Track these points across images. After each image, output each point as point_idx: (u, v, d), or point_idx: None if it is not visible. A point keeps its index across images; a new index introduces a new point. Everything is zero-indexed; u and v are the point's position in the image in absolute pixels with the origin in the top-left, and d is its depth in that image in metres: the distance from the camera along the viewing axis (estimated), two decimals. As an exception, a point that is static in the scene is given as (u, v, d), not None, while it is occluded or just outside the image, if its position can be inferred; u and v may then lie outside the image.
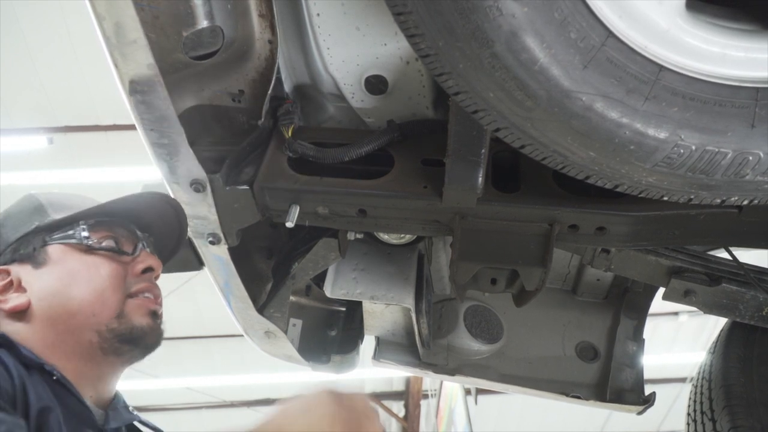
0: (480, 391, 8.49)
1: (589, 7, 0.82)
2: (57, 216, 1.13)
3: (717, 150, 0.92)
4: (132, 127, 1.22)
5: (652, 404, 1.83)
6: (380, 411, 9.99)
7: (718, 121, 0.90)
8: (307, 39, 1.31)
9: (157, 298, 1.16)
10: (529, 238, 1.31)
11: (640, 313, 1.96)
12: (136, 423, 1.17)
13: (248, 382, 9.49)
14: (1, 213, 1.17)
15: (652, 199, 1.05)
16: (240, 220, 1.38)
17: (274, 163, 1.35)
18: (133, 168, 5.82)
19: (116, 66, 1.09)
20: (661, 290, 1.60)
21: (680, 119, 0.90)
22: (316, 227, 1.46)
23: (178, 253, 1.35)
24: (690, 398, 1.99)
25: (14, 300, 1.05)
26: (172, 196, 1.29)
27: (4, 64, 5.59)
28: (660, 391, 2.06)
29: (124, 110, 1.16)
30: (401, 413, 10.33)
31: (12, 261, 1.09)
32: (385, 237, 1.62)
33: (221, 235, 1.41)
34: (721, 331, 1.92)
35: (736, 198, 1.01)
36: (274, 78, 1.28)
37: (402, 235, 1.61)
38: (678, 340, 9.21)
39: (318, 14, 1.25)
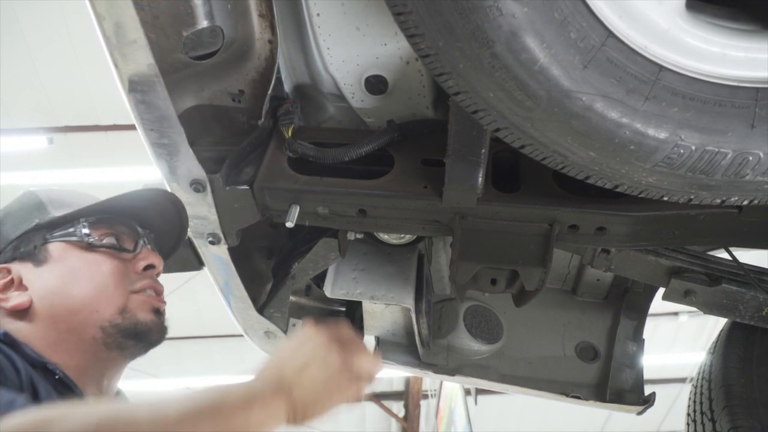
0: (480, 391, 8.49)
1: (589, 7, 0.82)
2: (57, 213, 1.13)
3: (717, 150, 0.92)
4: (132, 127, 1.22)
5: (652, 404, 1.83)
6: (380, 411, 10.00)
7: (718, 121, 0.90)
8: (307, 39, 1.31)
9: (159, 294, 1.16)
10: (529, 238, 1.31)
11: (640, 313, 1.96)
12: None
13: (248, 382, 9.46)
14: (0, 210, 1.17)
15: (652, 199, 1.05)
16: (240, 220, 1.38)
17: (274, 163, 1.35)
18: (133, 168, 5.82)
19: (116, 66, 1.09)
20: (661, 290, 1.60)
21: (680, 119, 0.90)
22: (316, 227, 1.46)
23: (179, 253, 1.35)
24: (690, 398, 1.99)
25: (15, 298, 1.05)
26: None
27: (4, 64, 5.59)
28: (660, 391, 2.06)
29: (124, 110, 1.16)
30: (401, 413, 10.34)
31: (12, 259, 1.09)
32: (385, 237, 1.62)
33: (221, 235, 1.41)
34: (721, 331, 1.92)
35: (736, 198, 1.01)
36: (274, 78, 1.28)
37: (402, 235, 1.61)
38: (678, 340, 9.21)
39: (318, 14, 1.25)
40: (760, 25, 0.87)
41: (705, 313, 1.57)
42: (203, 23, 1.15)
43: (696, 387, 1.94)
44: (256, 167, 1.35)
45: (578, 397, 1.87)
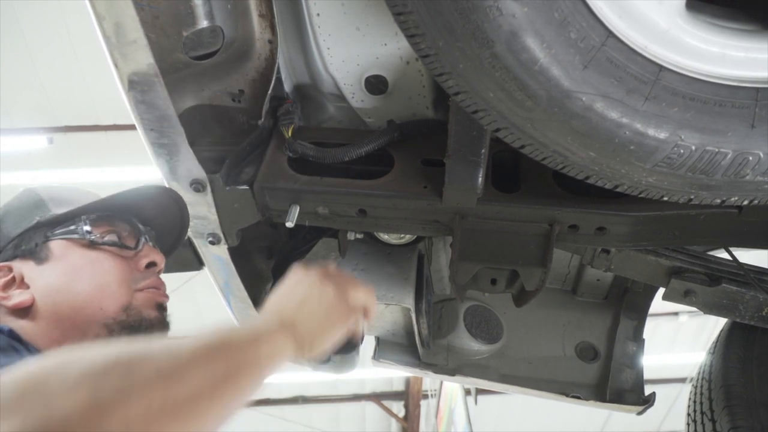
0: (480, 391, 8.49)
1: (589, 7, 0.82)
2: (58, 211, 1.12)
3: (717, 150, 0.92)
4: (132, 127, 1.21)
5: (652, 404, 1.83)
6: (380, 411, 10.00)
7: (718, 121, 0.90)
8: (307, 39, 1.31)
9: (162, 291, 1.16)
10: (529, 238, 1.31)
11: (640, 313, 1.96)
12: None
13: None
14: (0, 208, 1.17)
15: (652, 199, 1.05)
16: (240, 220, 1.38)
17: (274, 163, 1.35)
18: (133, 168, 5.82)
19: (116, 66, 1.09)
20: (661, 290, 1.60)
21: (680, 119, 0.90)
22: (316, 227, 1.46)
23: (179, 252, 1.35)
24: (690, 398, 1.99)
25: (17, 297, 1.04)
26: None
27: (4, 64, 5.59)
28: (660, 391, 2.06)
29: (124, 110, 1.16)
30: (401, 413, 10.33)
31: (14, 257, 1.09)
32: (385, 237, 1.62)
33: (221, 235, 1.41)
34: (721, 331, 1.92)
35: (736, 198, 1.01)
36: (274, 78, 1.29)
37: (402, 235, 1.61)
38: (678, 341, 9.21)
39: (318, 14, 1.25)
40: (760, 25, 0.87)
41: (705, 313, 1.57)
42: (203, 23, 1.15)
43: (696, 387, 1.94)
44: (256, 167, 1.35)
45: (578, 397, 1.87)
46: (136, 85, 1.11)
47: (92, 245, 1.10)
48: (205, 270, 1.57)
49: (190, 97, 1.31)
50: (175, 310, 1.17)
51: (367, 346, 1.95)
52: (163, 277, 1.19)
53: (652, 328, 8.27)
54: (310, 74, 1.39)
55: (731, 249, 1.54)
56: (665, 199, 1.04)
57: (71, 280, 1.06)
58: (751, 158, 0.92)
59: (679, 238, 1.32)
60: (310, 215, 1.36)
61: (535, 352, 1.96)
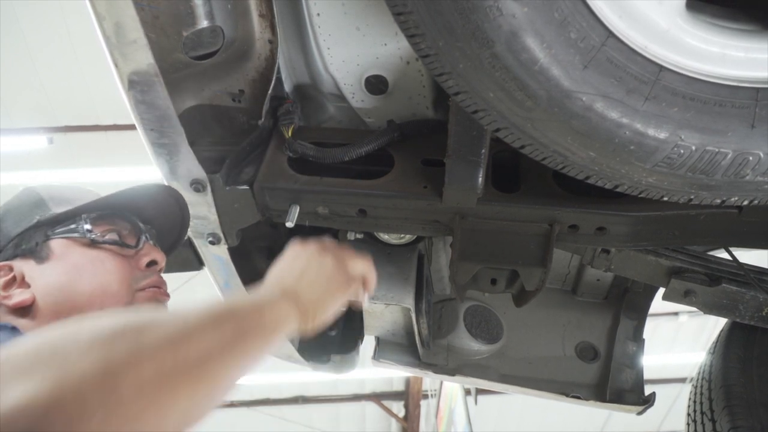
0: (480, 391, 8.49)
1: (589, 7, 0.82)
2: (58, 210, 1.12)
3: (717, 150, 0.92)
4: (132, 127, 1.21)
5: (652, 404, 1.83)
6: (380, 411, 10.00)
7: (718, 121, 0.90)
8: (307, 39, 1.31)
9: (163, 290, 1.16)
10: (529, 238, 1.31)
11: (640, 313, 1.95)
12: None
13: (248, 382, 9.49)
14: (0, 208, 1.16)
15: (652, 199, 1.05)
16: (240, 220, 1.38)
17: (274, 163, 1.35)
18: (133, 168, 5.82)
19: (116, 66, 1.09)
20: (661, 290, 1.60)
21: (680, 119, 0.90)
22: (316, 227, 1.46)
23: (179, 252, 1.35)
24: (690, 398, 1.99)
25: (18, 296, 1.04)
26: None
27: (4, 64, 5.59)
28: (660, 391, 2.06)
29: (124, 110, 1.16)
30: (401, 413, 10.34)
31: (14, 256, 1.08)
32: (385, 237, 1.62)
33: (221, 235, 1.41)
34: (721, 331, 1.92)
35: (736, 198, 1.01)
36: (274, 78, 1.29)
37: (402, 235, 1.61)
38: (678, 341, 9.21)
39: (318, 14, 1.25)
40: (760, 25, 0.87)
41: (705, 313, 1.57)
42: (203, 23, 1.15)
43: (696, 387, 1.94)
44: (256, 167, 1.35)
45: (578, 397, 1.87)
46: (136, 85, 1.11)
47: (93, 244, 1.10)
48: (205, 270, 1.57)
49: (190, 97, 1.31)
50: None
51: (367, 346, 1.95)
52: (164, 277, 1.19)
53: (652, 328, 8.27)
54: (310, 74, 1.39)
55: (731, 249, 1.54)
56: (665, 199, 1.04)
57: (72, 279, 1.06)
58: (751, 158, 0.92)
59: (679, 238, 1.32)
60: (310, 215, 1.36)
61: (535, 352, 1.96)
